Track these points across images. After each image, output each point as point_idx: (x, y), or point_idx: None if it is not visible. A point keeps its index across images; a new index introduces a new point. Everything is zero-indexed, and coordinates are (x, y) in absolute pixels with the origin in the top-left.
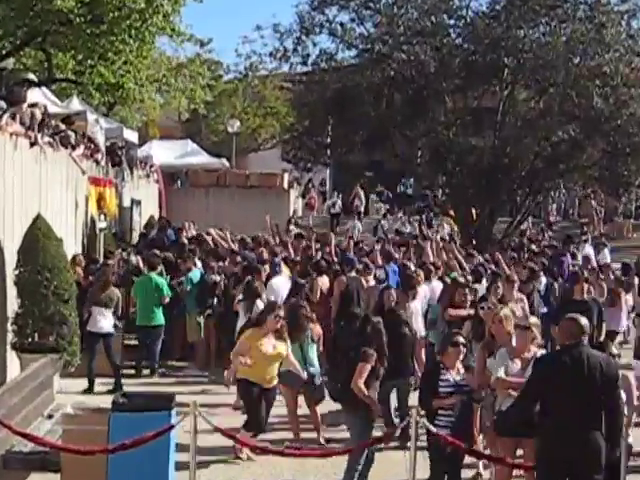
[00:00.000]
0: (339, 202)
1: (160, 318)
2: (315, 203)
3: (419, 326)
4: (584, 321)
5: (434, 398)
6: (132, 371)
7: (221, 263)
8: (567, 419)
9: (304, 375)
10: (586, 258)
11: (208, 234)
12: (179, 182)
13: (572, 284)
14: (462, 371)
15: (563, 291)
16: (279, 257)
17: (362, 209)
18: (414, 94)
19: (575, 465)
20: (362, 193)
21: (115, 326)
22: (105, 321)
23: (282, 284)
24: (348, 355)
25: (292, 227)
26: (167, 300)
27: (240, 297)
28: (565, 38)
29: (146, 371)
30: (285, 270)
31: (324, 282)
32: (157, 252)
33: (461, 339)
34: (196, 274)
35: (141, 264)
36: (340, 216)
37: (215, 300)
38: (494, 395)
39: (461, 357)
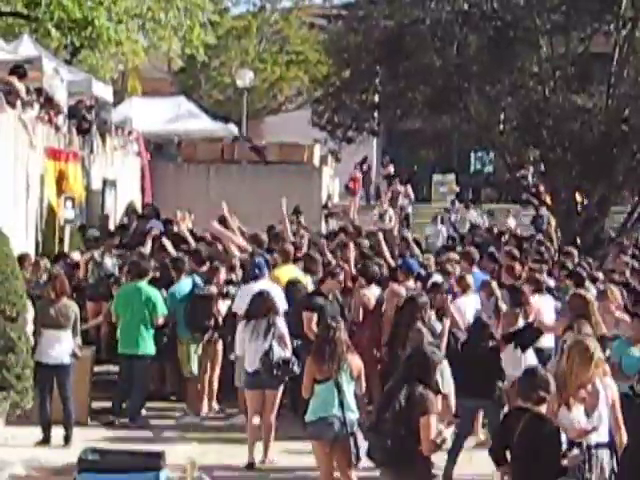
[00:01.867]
0: (391, 212)
1: (149, 346)
2: (358, 187)
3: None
4: None
5: None
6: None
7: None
8: None
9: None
10: None
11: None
12: (169, 155)
13: None
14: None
15: None
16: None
17: (410, 209)
18: (496, 35)
19: None
20: (409, 188)
21: (74, 355)
22: (59, 347)
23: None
24: (394, 398)
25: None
26: (162, 321)
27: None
28: None
29: (124, 419)
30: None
31: (373, 294)
32: (143, 252)
33: None
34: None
35: (116, 270)
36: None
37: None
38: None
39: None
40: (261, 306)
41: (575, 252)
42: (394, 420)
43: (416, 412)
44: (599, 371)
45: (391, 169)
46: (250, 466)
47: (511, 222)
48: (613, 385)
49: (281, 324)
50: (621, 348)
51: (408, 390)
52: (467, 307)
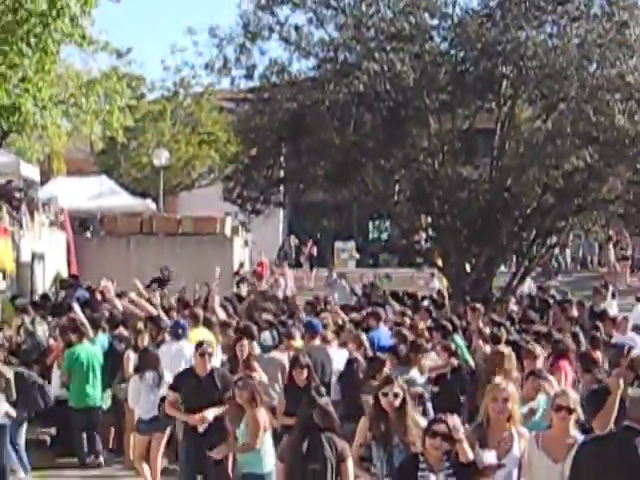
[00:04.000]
0: (281, 281)
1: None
2: (264, 271)
3: None
4: None
5: None
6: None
7: None
8: None
9: None
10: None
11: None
12: (92, 230)
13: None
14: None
15: None
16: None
17: (290, 291)
18: (389, 114)
19: None
20: (289, 273)
21: (8, 415)
22: None
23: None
24: (319, 449)
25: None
26: None
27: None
28: (578, 40)
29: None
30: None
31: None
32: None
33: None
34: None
35: (44, 335)
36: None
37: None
38: None
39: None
40: (151, 359)
41: (480, 307)
42: (325, 470)
43: (339, 459)
44: (516, 418)
45: (315, 251)
46: None
47: (436, 283)
48: (526, 434)
49: (166, 374)
50: None
51: (328, 439)
52: None
